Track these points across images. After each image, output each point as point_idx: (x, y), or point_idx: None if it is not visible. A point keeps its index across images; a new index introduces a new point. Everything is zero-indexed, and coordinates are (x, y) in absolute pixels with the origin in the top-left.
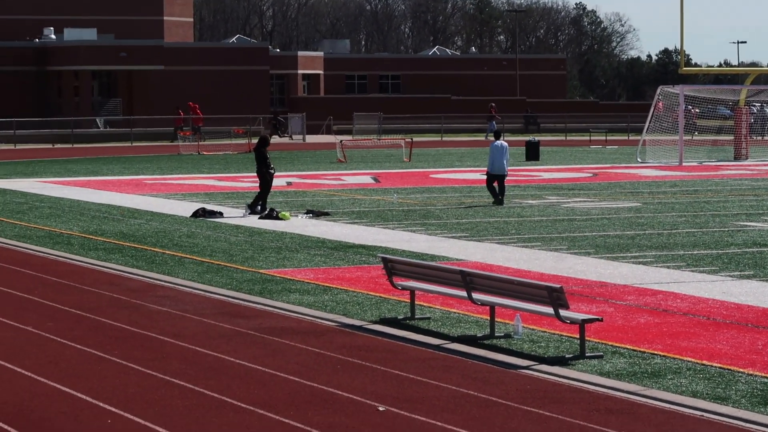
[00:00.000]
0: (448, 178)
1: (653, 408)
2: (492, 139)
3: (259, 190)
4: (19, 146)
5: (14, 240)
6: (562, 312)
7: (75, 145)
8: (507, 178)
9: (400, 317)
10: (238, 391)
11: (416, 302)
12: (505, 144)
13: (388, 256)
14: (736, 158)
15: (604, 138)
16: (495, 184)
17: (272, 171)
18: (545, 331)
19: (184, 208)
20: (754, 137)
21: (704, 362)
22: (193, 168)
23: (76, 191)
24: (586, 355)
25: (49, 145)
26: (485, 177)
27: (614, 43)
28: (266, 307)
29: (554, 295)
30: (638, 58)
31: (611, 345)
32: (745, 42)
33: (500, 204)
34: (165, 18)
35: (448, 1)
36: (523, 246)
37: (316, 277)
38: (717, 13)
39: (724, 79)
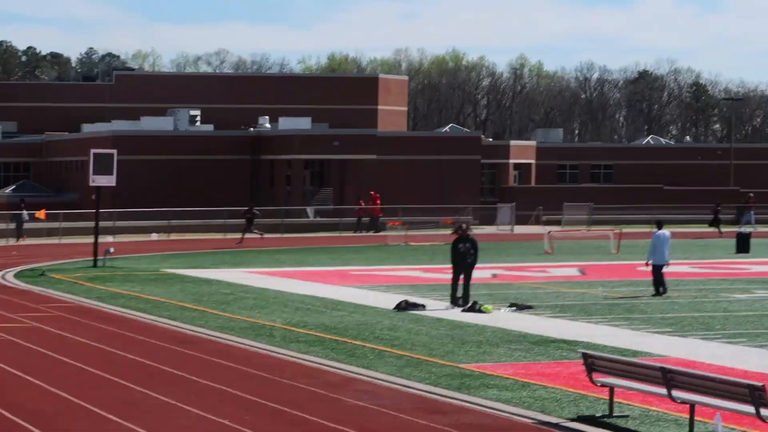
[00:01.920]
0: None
1: None
2: (738, 229)
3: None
4: (229, 235)
5: (217, 331)
6: (763, 411)
7: (285, 235)
8: (666, 269)
9: (598, 415)
10: None
11: (615, 399)
12: (668, 233)
13: (588, 351)
14: None
15: None
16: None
17: (469, 261)
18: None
19: (388, 300)
20: None
21: None
22: (400, 259)
23: (282, 282)
24: None
25: (258, 235)
26: (650, 269)
27: None
28: (464, 403)
29: (756, 394)
30: None
31: None
32: None
33: (659, 295)
34: (379, 107)
35: (665, 90)
36: (728, 342)
37: (516, 372)
38: None
39: None
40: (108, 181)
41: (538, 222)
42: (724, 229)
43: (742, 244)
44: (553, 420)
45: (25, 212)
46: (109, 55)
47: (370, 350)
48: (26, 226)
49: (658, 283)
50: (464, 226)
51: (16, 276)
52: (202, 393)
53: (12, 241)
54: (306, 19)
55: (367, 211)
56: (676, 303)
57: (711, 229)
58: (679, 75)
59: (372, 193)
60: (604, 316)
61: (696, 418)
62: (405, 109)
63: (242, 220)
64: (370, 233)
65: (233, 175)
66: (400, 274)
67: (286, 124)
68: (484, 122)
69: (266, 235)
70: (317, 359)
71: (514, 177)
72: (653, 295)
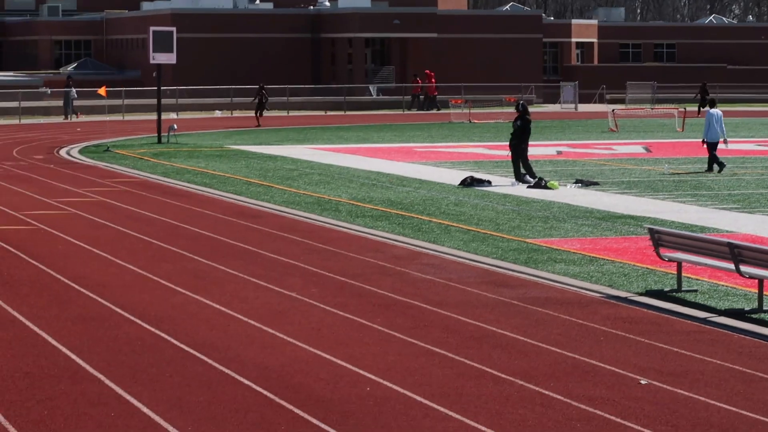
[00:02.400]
0: (721, 148)
1: None
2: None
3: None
4: (292, 113)
5: (283, 206)
6: None
7: (347, 113)
8: (720, 147)
9: (666, 289)
10: (499, 361)
11: (683, 274)
12: (720, 112)
13: (655, 227)
14: None
15: None
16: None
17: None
18: None
19: (453, 177)
20: None
21: None
22: (463, 136)
23: (346, 158)
24: None
25: (322, 113)
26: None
27: None
28: (531, 277)
29: None
30: None
31: None
32: None
33: (710, 171)
34: None
35: None
36: None
37: (583, 247)
38: None
39: None
40: (168, 58)
41: (601, 100)
42: None
43: None
44: (622, 294)
45: (73, 90)
46: None
47: (437, 225)
48: (77, 103)
49: (713, 159)
50: (519, 103)
51: (81, 152)
52: (268, 266)
53: (73, 118)
54: None
55: (423, 89)
56: (742, 180)
57: None
58: None
59: (427, 71)
60: (671, 192)
61: (765, 293)
62: None
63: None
64: (430, 111)
65: (293, 53)
66: (465, 151)
67: (346, 2)
68: (545, 1)
69: (330, 113)
70: (383, 233)
71: (577, 56)
72: (706, 171)
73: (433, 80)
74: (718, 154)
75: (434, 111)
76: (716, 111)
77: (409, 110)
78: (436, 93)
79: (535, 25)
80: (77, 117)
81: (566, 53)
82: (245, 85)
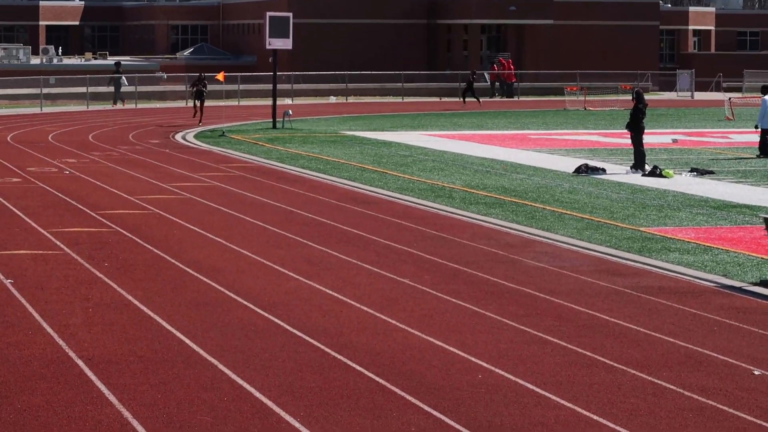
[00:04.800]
0: None
1: None
2: None
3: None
4: (407, 99)
5: (397, 192)
6: None
7: (495, 98)
8: None
9: None
10: (612, 350)
11: None
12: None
13: None
14: None
15: None
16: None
17: (642, 126)
18: None
19: (567, 164)
20: None
21: None
22: (579, 124)
23: (460, 145)
24: None
25: (437, 99)
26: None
27: None
28: (644, 266)
29: None
30: None
31: None
32: None
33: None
34: None
35: None
36: None
37: (697, 236)
38: None
39: None
40: (284, 44)
41: (718, 89)
42: None
43: None
44: (736, 284)
45: (123, 77)
46: None
47: (550, 213)
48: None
49: (764, 145)
50: (635, 91)
51: (197, 137)
52: (381, 252)
53: (119, 105)
54: None
55: (500, 77)
56: None
57: None
58: None
59: (501, 59)
60: None
61: None
62: None
63: (419, 84)
64: (510, 98)
65: (409, 39)
66: (579, 139)
67: None
68: None
69: (444, 99)
70: (497, 221)
71: (693, 43)
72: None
73: (512, 67)
74: None
75: (512, 99)
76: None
77: (491, 98)
78: (515, 80)
79: (652, 13)
80: (123, 105)
81: (683, 41)
82: (361, 71)
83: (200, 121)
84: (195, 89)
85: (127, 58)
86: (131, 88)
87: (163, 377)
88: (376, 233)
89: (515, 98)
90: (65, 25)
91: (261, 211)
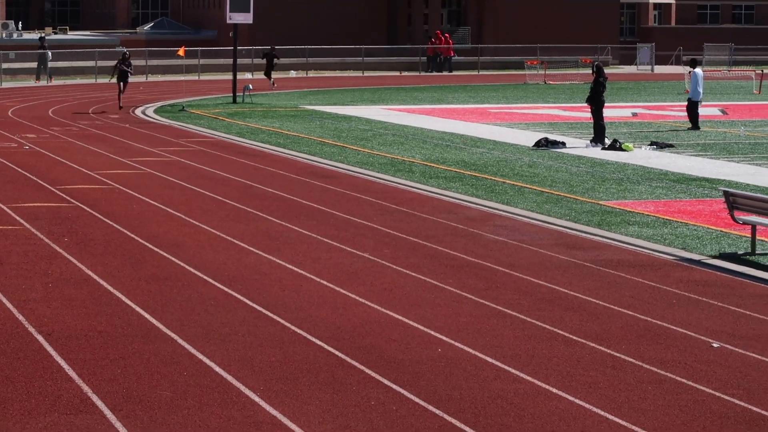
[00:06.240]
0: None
1: None
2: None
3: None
4: (367, 73)
5: (357, 167)
6: None
7: (422, 73)
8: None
9: (740, 252)
10: (571, 323)
11: (757, 237)
12: (699, 72)
13: (730, 189)
14: None
15: None
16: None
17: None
18: None
19: (527, 138)
20: None
21: None
22: (539, 98)
23: (421, 119)
24: None
25: (397, 73)
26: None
27: None
28: (604, 239)
29: None
30: None
31: None
32: None
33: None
34: None
35: None
36: None
37: (657, 209)
38: None
39: None
40: (245, 18)
41: (678, 62)
42: None
43: None
44: (695, 257)
45: (48, 52)
46: None
47: (510, 186)
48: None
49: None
50: (594, 65)
51: (156, 111)
52: (341, 226)
53: (47, 82)
54: None
55: (437, 51)
56: None
57: None
58: None
59: (438, 32)
60: (746, 155)
61: None
62: None
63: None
64: (443, 73)
65: (369, 13)
66: (539, 113)
67: None
68: None
69: (404, 73)
70: (457, 194)
71: (654, 17)
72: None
73: (450, 42)
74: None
75: (446, 73)
76: (696, 70)
77: (427, 72)
78: (453, 54)
79: None
80: (51, 81)
81: (643, 14)
82: (321, 45)
83: (120, 105)
84: (118, 69)
85: (87, 32)
86: (91, 63)
87: (122, 352)
88: (336, 207)
89: (452, 72)
90: None
91: (221, 185)
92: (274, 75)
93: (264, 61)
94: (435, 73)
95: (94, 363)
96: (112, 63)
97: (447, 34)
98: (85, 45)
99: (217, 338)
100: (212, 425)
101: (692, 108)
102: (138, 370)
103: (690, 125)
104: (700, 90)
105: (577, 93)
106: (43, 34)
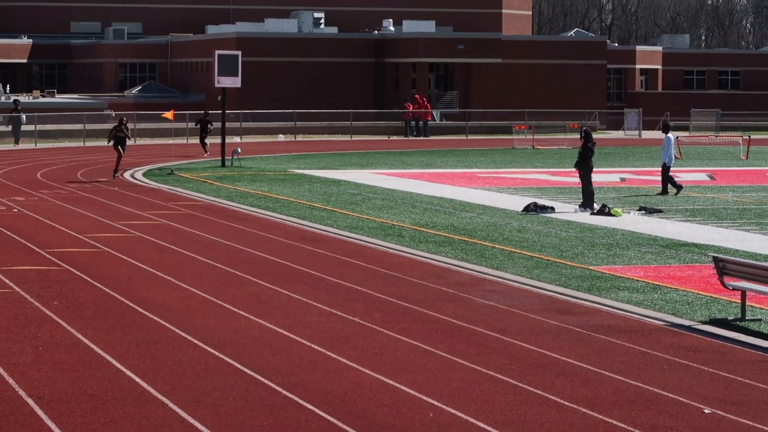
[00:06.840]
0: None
1: None
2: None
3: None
4: (355, 137)
5: (346, 231)
6: None
7: (411, 138)
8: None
9: (730, 318)
10: (562, 389)
11: (747, 303)
12: (670, 137)
13: (719, 255)
14: None
15: None
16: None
17: (591, 165)
18: None
19: (516, 203)
20: None
21: None
22: (527, 162)
23: (410, 183)
24: None
25: (385, 137)
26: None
27: None
28: (594, 305)
29: None
30: None
31: None
32: None
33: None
34: (504, 11)
35: None
36: None
37: (647, 275)
38: None
39: None
40: (233, 82)
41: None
42: None
43: None
44: (685, 322)
45: (23, 115)
46: None
47: (500, 251)
48: (152, 125)
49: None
50: (582, 130)
51: (145, 174)
52: (331, 291)
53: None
54: None
55: (416, 115)
56: None
57: None
58: None
59: (417, 96)
60: (735, 220)
61: None
62: (529, 13)
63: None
64: (420, 138)
65: (357, 78)
66: (528, 177)
67: (410, 27)
68: (609, 27)
69: (393, 137)
70: (447, 259)
71: (641, 82)
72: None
73: (428, 105)
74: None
75: (428, 138)
76: (668, 135)
77: (405, 136)
78: (431, 118)
79: (600, 52)
80: (17, 144)
81: (630, 80)
82: (309, 109)
83: (115, 174)
84: (115, 136)
85: (75, 96)
86: (80, 126)
87: (113, 416)
88: (326, 272)
89: (429, 137)
90: (13, 62)
91: (210, 249)
92: (209, 140)
93: (198, 127)
94: (420, 138)
95: (85, 427)
96: (100, 126)
97: (426, 98)
98: (73, 108)
99: (208, 402)
100: None
101: (665, 172)
102: None
103: (660, 190)
104: (672, 154)
105: (566, 158)
106: (17, 98)
